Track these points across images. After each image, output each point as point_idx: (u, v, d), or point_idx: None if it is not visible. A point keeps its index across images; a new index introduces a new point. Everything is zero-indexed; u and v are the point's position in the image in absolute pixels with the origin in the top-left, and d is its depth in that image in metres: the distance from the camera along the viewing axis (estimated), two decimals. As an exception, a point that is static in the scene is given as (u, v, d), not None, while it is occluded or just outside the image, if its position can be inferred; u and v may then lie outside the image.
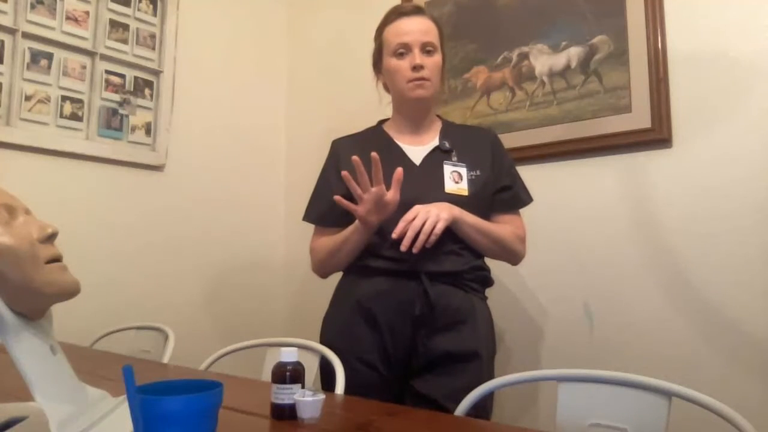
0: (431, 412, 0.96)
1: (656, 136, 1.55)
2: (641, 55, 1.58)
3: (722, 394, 0.84)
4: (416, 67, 1.28)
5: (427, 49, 1.31)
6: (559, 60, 1.74)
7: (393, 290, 1.24)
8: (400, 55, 1.31)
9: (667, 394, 0.88)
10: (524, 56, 1.81)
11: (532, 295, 1.74)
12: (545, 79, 1.76)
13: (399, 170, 1.15)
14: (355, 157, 1.12)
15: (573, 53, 1.71)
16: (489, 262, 1.37)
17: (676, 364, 1.47)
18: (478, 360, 1.22)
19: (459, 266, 1.26)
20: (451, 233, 1.23)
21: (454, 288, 1.25)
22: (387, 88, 1.42)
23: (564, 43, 1.73)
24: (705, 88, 1.50)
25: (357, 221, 1.22)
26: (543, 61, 1.77)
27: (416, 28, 1.31)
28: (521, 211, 1.40)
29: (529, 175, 1.46)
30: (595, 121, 1.65)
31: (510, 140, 1.74)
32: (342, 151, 1.40)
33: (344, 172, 1.15)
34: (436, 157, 1.33)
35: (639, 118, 1.57)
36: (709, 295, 1.46)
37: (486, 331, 1.29)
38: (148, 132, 2.01)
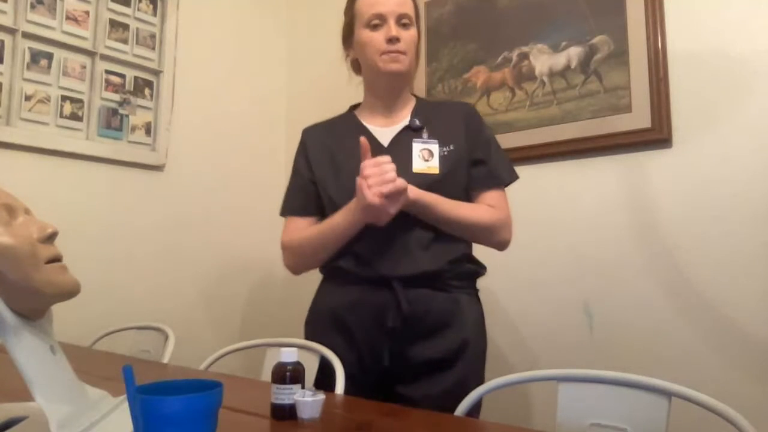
0: (431, 412, 0.95)
1: (656, 135, 1.55)
2: (641, 55, 1.58)
3: (722, 394, 0.84)
4: (392, 39, 1.21)
5: (402, 21, 1.23)
6: (559, 60, 1.74)
7: (365, 300, 1.18)
8: (374, 27, 1.23)
9: (667, 394, 0.88)
10: (524, 56, 1.81)
11: (532, 295, 1.74)
12: (545, 79, 1.76)
13: (363, 139, 1.10)
14: (362, 138, 1.10)
15: (573, 53, 1.71)
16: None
17: (676, 364, 1.47)
18: (462, 363, 1.17)
19: (437, 264, 1.18)
20: (419, 224, 1.17)
21: (433, 291, 1.18)
22: (355, 68, 1.35)
23: (564, 43, 1.73)
24: (705, 88, 1.50)
25: (348, 211, 1.15)
26: (543, 61, 1.77)
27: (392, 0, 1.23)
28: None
29: (529, 175, 1.46)
30: (595, 121, 1.65)
31: (510, 140, 1.74)
32: (309, 139, 1.36)
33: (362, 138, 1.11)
34: (406, 136, 1.25)
35: (639, 118, 1.57)
36: (709, 294, 1.46)
37: (474, 329, 1.22)
38: (148, 132, 2.01)
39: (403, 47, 1.22)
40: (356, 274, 1.20)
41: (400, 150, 1.22)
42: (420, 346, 1.17)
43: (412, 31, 1.26)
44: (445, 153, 1.23)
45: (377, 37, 1.23)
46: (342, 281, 1.23)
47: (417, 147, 1.22)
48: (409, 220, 1.15)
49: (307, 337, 1.29)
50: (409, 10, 1.26)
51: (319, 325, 1.27)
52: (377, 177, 1.07)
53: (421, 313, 1.17)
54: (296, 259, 1.30)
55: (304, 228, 1.29)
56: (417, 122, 1.27)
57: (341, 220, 1.18)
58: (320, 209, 1.30)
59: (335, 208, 1.21)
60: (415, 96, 1.37)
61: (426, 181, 1.18)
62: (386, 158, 1.09)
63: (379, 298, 1.17)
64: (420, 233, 1.18)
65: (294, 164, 1.38)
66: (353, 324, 1.20)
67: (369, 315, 1.18)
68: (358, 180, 1.09)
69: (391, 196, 1.07)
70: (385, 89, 1.30)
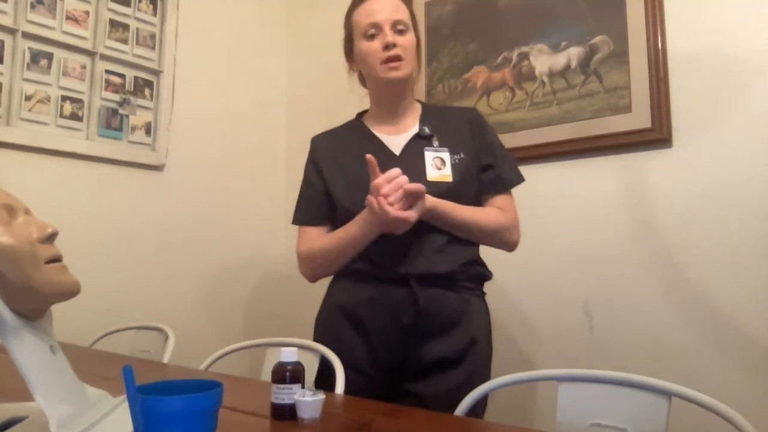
0: (431, 412, 0.96)
1: (656, 136, 1.55)
2: (641, 55, 1.58)
3: (722, 394, 0.84)
4: (388, 46, 1.22)
5: (398, 28, 1.25)
6: (559, 60, 1.74)
7: (381, 297, 1.20)
8: (371, 37, 1.25)
9: (667, 394, 0.88)
10: (524, 56, 1.81)
11: (532, 295, 1.74)
12: (545, 79, 1.76)
13: (369, 156, 1.10)
14: (369, 156, 1.11)
15: (573, 53, 1.71)
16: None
17: (676, 364, 1.47)
18: (470, 361, 1.19)
19: (450, 266, 1.21)
20: (432, 230, 1.19)
21: (445, 291, 1.21)
22: (362, 81, 1.37)
23: (564, 43, 1.73)
24: (705, 88, 1.50)
25: (363, 223, 1.17)
26: (543, 61, 1.77)
27: (385, 7, 1.25)
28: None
29: (529, 175, 1.45)
30: (595, 121, 1.65)
31: (510, 140, 1.74)
32: (318, 148, 1.38)
33: (368, 156, 1.11)
34: (417, 144, 1.27)
35: (639, 118, 1.57)
36: (708, 294, 1.46)
37: (481, 330, 1.24)
38: (148, 132, 2.01)
39: (400, 52, 1.24)
40: (371, 273, 1.22)
41: (412, 158, 1.25)
42: (430, 344, 1.19)
43: (409, 36, 1.27)
44: (456, 161, 1.25)
45: (375, 46, 1.25)
46: (356, 279, 1.25)
47: (429, 155, 1.25)
48: (422, 226, 1.16)
49: (317, 333, 1.31)
50: (404, 16, 1.27)
51: (333, 321, 1.27)
52: (395, 193, 1.09)
53: (434, 311, 1.19)
54: (313, 269, 1.32)
55: (318, 237, 1.31)
56: (426, 130, 1.29)
57: (357, 231, 1.19)
58: (332, 217, 1.32)
59: (348, 214, 1.23)
60: (419, 101, 1.39)
61: (440, 189, 1.20)
62: (396, 171, 1.11)
63: (396, 296, 1.19)
64: (433, 238, 1.21)
65: (304, 173, 1.39)
66: (368, 320, 1.21)
67: (385, 312, 1.20)
68: (374, 198, 1.10)
69: (411, 197, 1.09)
70: (388, 97, 1.32)
